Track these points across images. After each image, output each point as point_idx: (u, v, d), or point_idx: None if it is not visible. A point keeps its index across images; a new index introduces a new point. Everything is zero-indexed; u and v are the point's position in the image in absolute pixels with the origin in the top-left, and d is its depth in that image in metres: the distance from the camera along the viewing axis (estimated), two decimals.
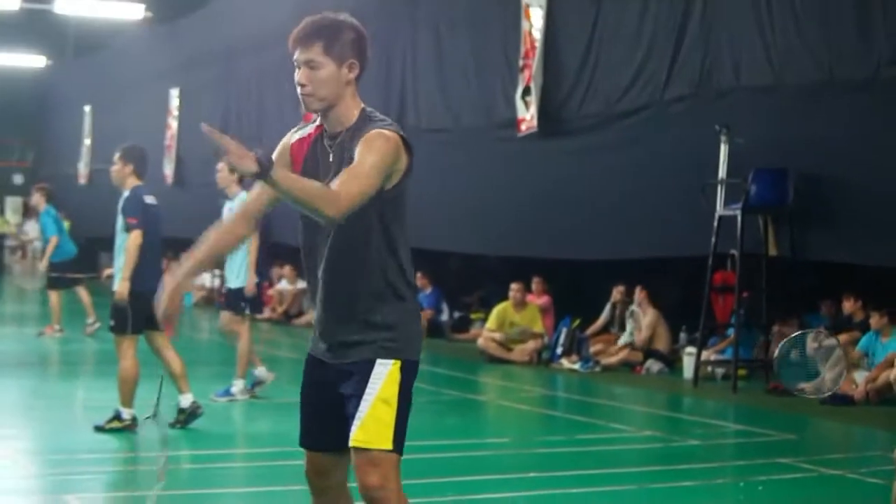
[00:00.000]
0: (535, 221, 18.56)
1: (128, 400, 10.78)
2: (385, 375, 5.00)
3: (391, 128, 4.97)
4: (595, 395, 15.26)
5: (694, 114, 15.91)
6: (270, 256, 13.67)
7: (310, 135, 5.16)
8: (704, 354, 15.96)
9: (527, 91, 18.55)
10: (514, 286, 18.72)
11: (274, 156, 5.04)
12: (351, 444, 4.96)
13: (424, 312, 21.23)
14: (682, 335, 17.90)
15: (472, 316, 22.20)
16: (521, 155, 18.84)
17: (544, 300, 19.24)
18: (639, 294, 17.71)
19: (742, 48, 15.33)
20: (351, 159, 4.87)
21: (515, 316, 18.51)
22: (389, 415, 4.97)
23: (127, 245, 10.63)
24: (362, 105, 5.10)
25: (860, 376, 14.13)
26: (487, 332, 18.65)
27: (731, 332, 16.21)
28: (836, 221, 14.24)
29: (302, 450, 5.30)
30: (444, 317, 22.16)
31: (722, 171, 15.08)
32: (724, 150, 15.01)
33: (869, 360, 14.26)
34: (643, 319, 17.56)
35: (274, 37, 18.68)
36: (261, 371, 13.47)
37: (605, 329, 18.53)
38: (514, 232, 19.04)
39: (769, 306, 15.91)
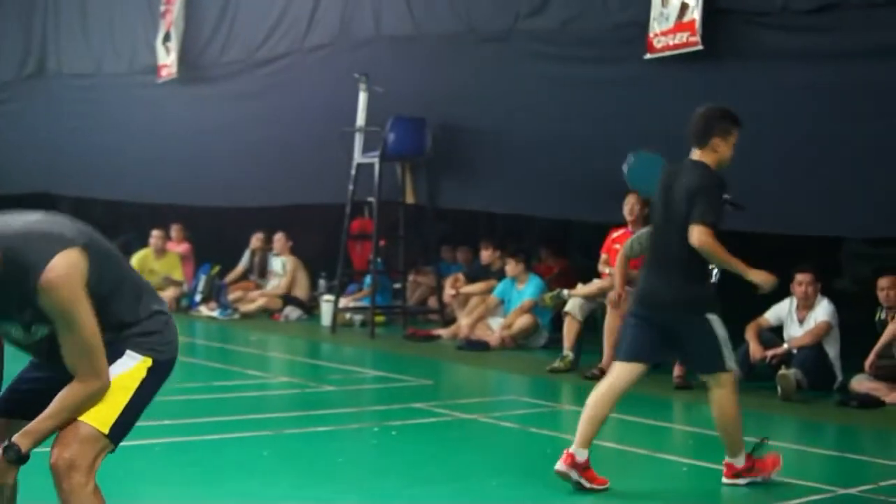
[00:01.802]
0: (176, 168, 17.90)
1: None
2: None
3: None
4: (233, 342, 14.70)
5: (334, 62, 15.51)
6: None
7: None
8: (342, 301, 15.59)
9: (167, 37, 17.97)
10: (154, 233, 17.88)
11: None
12: None
13: None
14: (321, 282, 17.43)
15: None
16: (162, 101, 18.18)
17: (184, 247, 18.41)
18: (279, 241, 17.04)
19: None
20: None
21: (155, 263, 17.68)
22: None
23: None
24: None
25: (496, 322, 13.88)
26: None
27: (368, 279, 15.76)
28: (472, 170, 14.11)
29: None
30: None
31: (360, 120, 14.67)
32: (362, 98, 14.62)
33: (505, 307, 14.00)
34: (284, 266, 16.97)
35: None
36: None
37: (244, 276, 17.82)
38: (155, 179, 18.27)
39: (406, 254, 15.57)
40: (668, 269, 7.17)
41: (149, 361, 4.49)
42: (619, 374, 7.25)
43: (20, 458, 4.20)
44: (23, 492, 4.56)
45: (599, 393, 7.27)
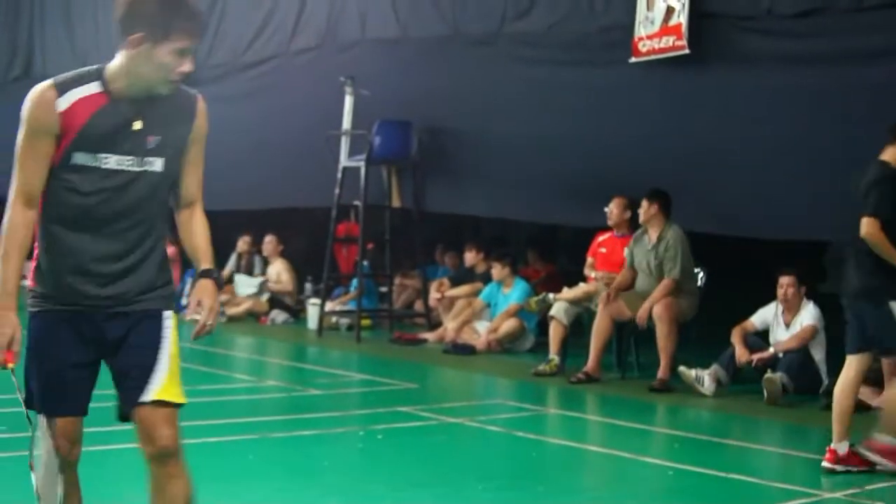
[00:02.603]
0: None
1: None
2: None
3: None
4: (219, 346, 14.52)
5: (320, 65, 15.48)
6: None
7: (93, 97, 4.31)
8: (329, 305, 15.51)
9: None
10: None
11: (38, 115, 4.29)
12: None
13: None
14: (308, 285, 17.37)
15: None
16: None
17: (171, 251, 18.02)
18: (269, 243, 16.99)
19: (369, 1, 14.94)
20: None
21: None
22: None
23: None
24: None
25: (482, 326, 13.84)
26: None
27: (354, 282, 15.72)
28: (458, 174, 14.08)
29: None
30: None
31: (346, 123, 14.62)
32: (348, 101, 14.58)
33: (491, 311, 13.97)
34: (271, 269, 16.90)
35: None
36: None
37: (231, 279, 17.75)
38: None
39: (392, 258, 15.53)
40: (854, 260, 7.59)
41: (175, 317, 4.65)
42: (850, 364, 7.74)
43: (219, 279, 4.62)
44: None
45: (840, 388, 7.76)
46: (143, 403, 4.44)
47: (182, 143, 4.49)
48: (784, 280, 10.89)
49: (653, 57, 11.70)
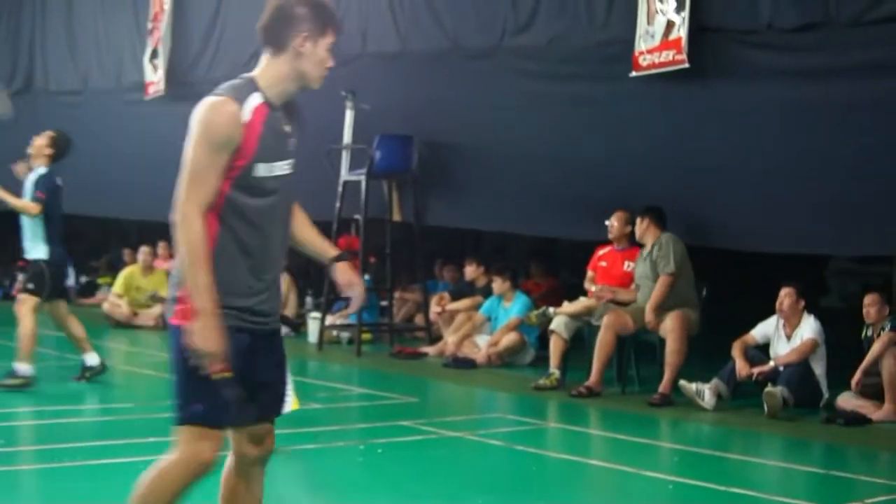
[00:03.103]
0: (164, 185, 17.32)
1: (29, 356, 11.10)
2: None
3: None
4: None
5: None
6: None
7: (260, 107, 4.58)
8: (329, 319, 15.44)
9: (154, 54, 17.92)
10: (142, 250, 17.87)
11: (223, 127, 4.50)
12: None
13: None
14: (308, 299, 17.33)
15: (99, 280, 21.06)
16: (149, 118, 18.00)
17: (172, 264, 18.23)
18: None
19: (370, 15, 14.91)
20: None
21: (143, 280, 17.59)
22: None
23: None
24: None
25: (483, 340, 13.82)
26: (114, 296, 17.58)
27: None
28: (458, 188, 14.05)
29: None
30: (71, 281, 20.78)
31: (347, 137, 14.58)
32: (349, 115, 14.52)
33: (491, 324, 13.95)
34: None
35: None
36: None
37: None
38: (143, 195, 18.05)
39: (393, 271, 15.50)
40: None
41: None
42: None
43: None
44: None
45: None
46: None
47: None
48: (784, 292, 10.89)
49: (653, 71, 11.69)
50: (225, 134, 4.45)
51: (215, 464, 4.72)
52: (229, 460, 4.95)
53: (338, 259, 5.02)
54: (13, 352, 11.06)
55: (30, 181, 11.37)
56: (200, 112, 4.50)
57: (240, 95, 4.53)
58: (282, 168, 4.62)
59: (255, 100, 4.55)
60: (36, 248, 11.30)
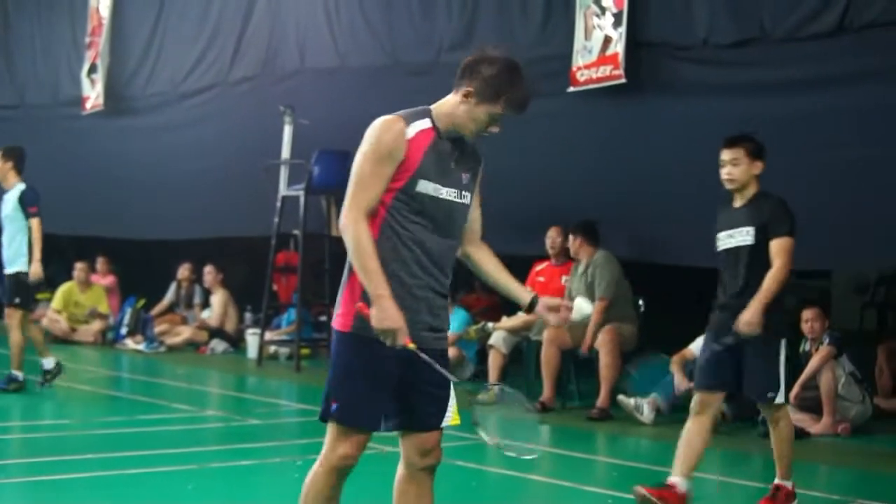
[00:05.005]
0: (101, 200, 17.68)
1: (21, 364, 11.71)
2: None
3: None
4: (159, 376, 14.44)
5: (259, 94, 15.43)
6: None
7: (427, 131, 4.94)
8: (268, 335, 15.34)
9: (93, 69, 17.82)
10: (78, 266, 17.61)
11: (386, 140, 4.85)
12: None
13: None
14: (248, 315, 17.16)
15: (38, 296, 20.64)
16: (87, 133, 18.00)
17: (109, 280, 18.12)
18: (209, 273, 16.80)
19: (308, 31, 14.86)
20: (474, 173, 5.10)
21: (81, 296, 17.40)
22: None
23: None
24: None
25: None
26: (52, 312, 17.33)
27: (292, 311, 15.62)
28: None
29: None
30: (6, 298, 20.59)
31: (286, 152, 14.51)
32: (287, 130, 14.48)
33: None
34: (213, 299, 16.72)
35: None
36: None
37: (171, 309, 17.54)
38: (80, 211, 17.98)
39: (332, 286, 15.38)
40: None
41: None
42: None
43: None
44: None
45: None
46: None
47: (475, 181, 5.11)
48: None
49: (591, 86, 11.68)
50: (388, 146, 4.81)
51: (353, 463, 5.05)
52: (399, 468, 5.23)
53: (533, 303, 5.21)
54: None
55: (11, 199, 11.72)
56: (372, 127, 4.87)
57: (411, 118, 4.91)
58: (448, 193, 4.93)
59: (423, 123, 4.90)
60: (17, 261, 11.66)
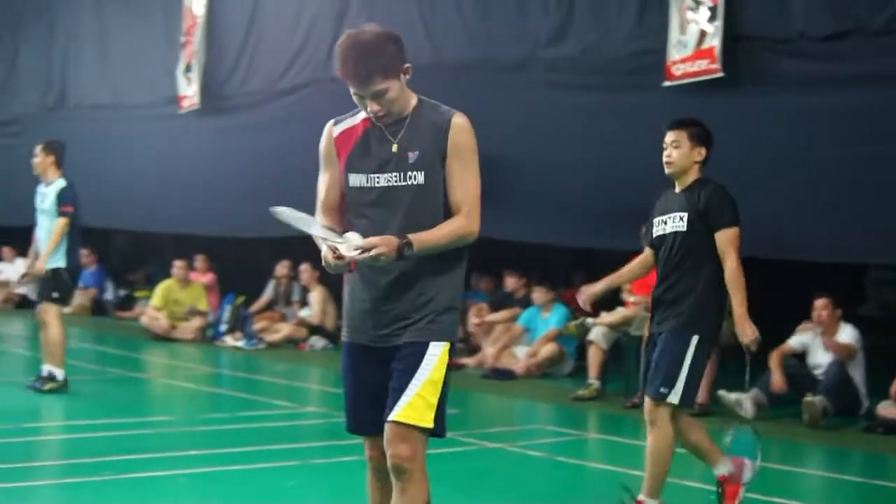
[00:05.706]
0: (199, 198, 17.87)
1: (62, 362, 11.50)
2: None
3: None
4: (259, 372, 14.64)
5: None
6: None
7: (356, 125, 5.02)
8: None
9: (188, 68, 17.99)
10: (177, 264, 17.94)
11: (321, 147, 5.10)
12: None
13: (88, 291, 20.22)
14: None
15: (137, 294, 21.21)
16: (184, 132, 18.21)
17: (208, 278, 18.46)
18: (305, 271, 17.03)
19: (402, 27, 14.74)
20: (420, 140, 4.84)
21: (180, 294, 17.72)
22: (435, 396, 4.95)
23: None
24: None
25: (521, 351, 13.88)
26: (152, 309, 17.71)
27: None
28: (492, 199, 13.78)
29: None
30: (109, 295, 21.13)
31: None
32: None
33: (530, 335, 14.01)
34: (311, 296, 16.95)
35: None
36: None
37: (270, 306, 17.83)
38: (178, 209, 18.27)
39: None
40: None
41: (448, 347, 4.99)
42: None
43: (407, 257, 4.69)
44: None
45: None
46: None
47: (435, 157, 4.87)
48: (818, 303, 10.92)
49: (686, 80, 11.74)
50: (323, 151, 5.14)
51: (378, 463, 5.08)
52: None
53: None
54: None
55: (51, 195, 11.54)
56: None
57: (344, 117, 5.11)
58: (387, 179, 4.91)
59: (354, 119, 5.07)
60: (55, 258, 11.46)
